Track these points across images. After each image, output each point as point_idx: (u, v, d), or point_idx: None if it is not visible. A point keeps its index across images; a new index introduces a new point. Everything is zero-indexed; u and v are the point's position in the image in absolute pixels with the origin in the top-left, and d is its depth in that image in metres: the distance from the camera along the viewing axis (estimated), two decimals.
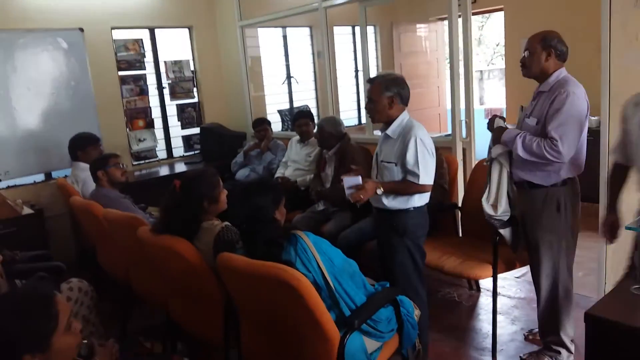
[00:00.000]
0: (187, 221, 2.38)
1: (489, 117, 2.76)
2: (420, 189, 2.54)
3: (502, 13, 6.41)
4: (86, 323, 2.72)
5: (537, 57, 2.48)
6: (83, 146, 3.96)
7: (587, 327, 1.64)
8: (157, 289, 2.75)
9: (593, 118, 4.14)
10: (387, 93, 2.56)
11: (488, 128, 2.71)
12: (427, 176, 2.52)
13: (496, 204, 2.64)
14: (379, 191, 2.54)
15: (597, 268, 3.08)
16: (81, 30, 4.68)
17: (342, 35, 6.85)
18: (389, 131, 2.62)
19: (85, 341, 2.08)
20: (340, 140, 3.79)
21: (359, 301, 2.04)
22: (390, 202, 2.60)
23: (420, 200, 2.60)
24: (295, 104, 6.47)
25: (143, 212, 3.43)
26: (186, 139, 5.65)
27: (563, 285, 2.57)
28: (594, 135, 3.06)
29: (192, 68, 5.61)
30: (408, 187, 2.55)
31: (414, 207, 2.59)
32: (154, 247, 2.47)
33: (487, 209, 2.65)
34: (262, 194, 2.13)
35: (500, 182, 2.63)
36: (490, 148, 2.71)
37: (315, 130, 4.15)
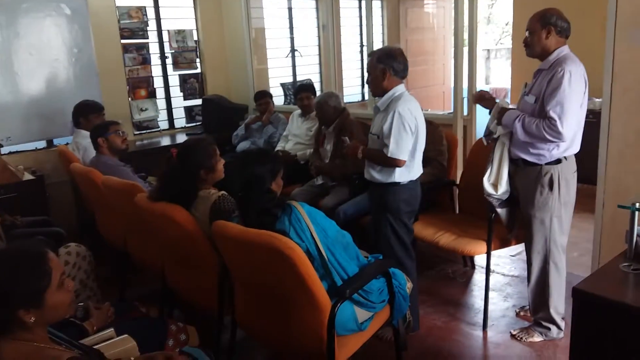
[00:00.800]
0: (183, 189, 2.40)
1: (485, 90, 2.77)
2: (390, 162, 2.55)
3: None
4: (83, 287, 2.77)
5: (538, 35, 2.46)
6: (86, 113, 3.97)
7: (574, 302, 1.67)
8: (154, 256, 2.78)
9: (597, 100, 4.12)
10: (379, 65, 2.58)
11: (473, 101, 2.72)
12: (397, 150, 2.52)
13: (497, 183, 2.66)
14: (359, 154, 2.63)
15: (592, 249, 3.09)
16: None
17: (349, 9, 6.77)
18: (378, 103, 2.64)
19: (82, 304, 2.14)
20: (340, 115, 3.78)
21: (351, 272, 2.07)
22: (374, 174, 2.64)
23: (403, 176, 2.61)
24: (299, 78, 6.43)
25: (143, 181, 3.45)
26: (188, 110, 5.63)
27: (554, 262, 2.59)
28: (596, 116, 3.04)
29: (195, 38, 5.56)
30: (380, 157, 2.59)
31: (396, 182, 2.61)
32: (151, 214, 2.50)
33: (488, 187, 2.66)
34: (260, 164, 2.14)
35: (502, 161, 2.64)
36: (487, 127, 2.72)
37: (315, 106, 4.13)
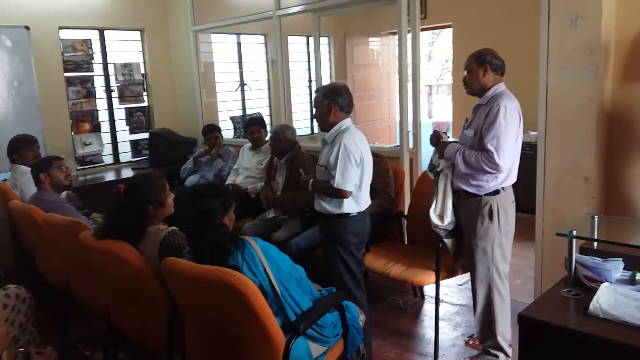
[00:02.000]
0: (131, 226, 2.34)
1: (435, 130, 2.88)
2: (336, 192, 2.61)
3: (450, 30, 6.65)
4: (23, 331, 2.61)
5: (475, 74, 2.61)
6: (18, 149, 3.82)
7: (520, 328, 1.73)
8: (99, 296, 2.67)
9: (532, 133, 4.36)
10: (325, 101, 2.68)
11: (431, 143, 2.82)
12: (342, 180, 2.59)
13: (442, 214, 2.74)
14: (310, 187, 2.70)
15: (534, 276, 3.22)
16: (27, 28, 4.53)
17: (297, 45, 6.91)
18: (326, 136, 2.73)
19: (22, 349, 2.02)
20: (292, 147, 3.82)
21: (305, 307, 2.06)
22: (324, 205, 2.69)
23: (351, 207, 2.67)
24: (248, 112, 6.47)
25: (86, 218, 3.33)
26: (134, 144, 5.53)
27: (498, 290, 2.67)
28: (532, 148, 3.21)
29: (142, 71, 5.51)
30: (327, 187, 2.65)
31: (345, 214, 2.66)
32: (97, 252, 2.41)
33: (434, 219, 2.74)
34: (211, 198, 2.12)
35: (446, 193, 2.74)
36: (431, 160, 2.82)
37: (267, 138, 4.15)
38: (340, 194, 2.62)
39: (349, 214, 2.67)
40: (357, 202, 2.69)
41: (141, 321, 2.44)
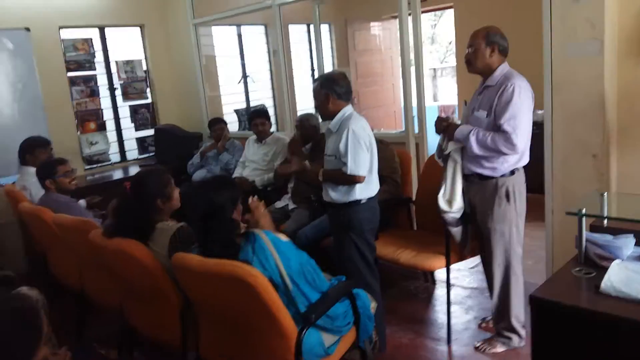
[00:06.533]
0: (140, 222, 2.35)
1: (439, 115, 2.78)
2: (350, 179, 2.59)
3: (452, 11, 6.57)
4: None
5: (482, 53, 2.54)
6: (31, 149, 3.84)
7: (532, 309, 1.72)
8: (112, 294, 2.70)
9: (539, 112, 4.30)
10: (322, 90, 2.65)
11: (436, 131, 2.73)
12: (355, 166, 2.57)
13: (451, 199, 2.69)
14: (320, 177, 2.67)
15: (545, 256, 3.20)
16: (27, 29, 4.54)
17: (298, 34, 6.86)
18: (330, 125, 2.70)
19: None
20: (317, 136, 3.78)
21: (314, 300, 2.06)
22: (334, 195, 2.67)
23: (363, 193, 2.65)
24: (252, 103, 6.45)
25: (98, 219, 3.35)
26: (140, 141, 5.55)
27: (514, 272, 2.66)
28: (539, 128, 3.17)
29: (144, 68, 5.51)
30: (339, 175, 2.62)
31: (357, 201, 2.64)
32: (107, 251, 2.43)
33: (443, 205, 2.69)
34: (219, 192, 2.11)
35: (455, 178, 2.69)
36: (439, 146, 2.76)
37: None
38: (354, 180, 2.60)
39: (359, 200, 2.65)
40: (369, 188, 2.67)
41: (154, 318, 2.46)
